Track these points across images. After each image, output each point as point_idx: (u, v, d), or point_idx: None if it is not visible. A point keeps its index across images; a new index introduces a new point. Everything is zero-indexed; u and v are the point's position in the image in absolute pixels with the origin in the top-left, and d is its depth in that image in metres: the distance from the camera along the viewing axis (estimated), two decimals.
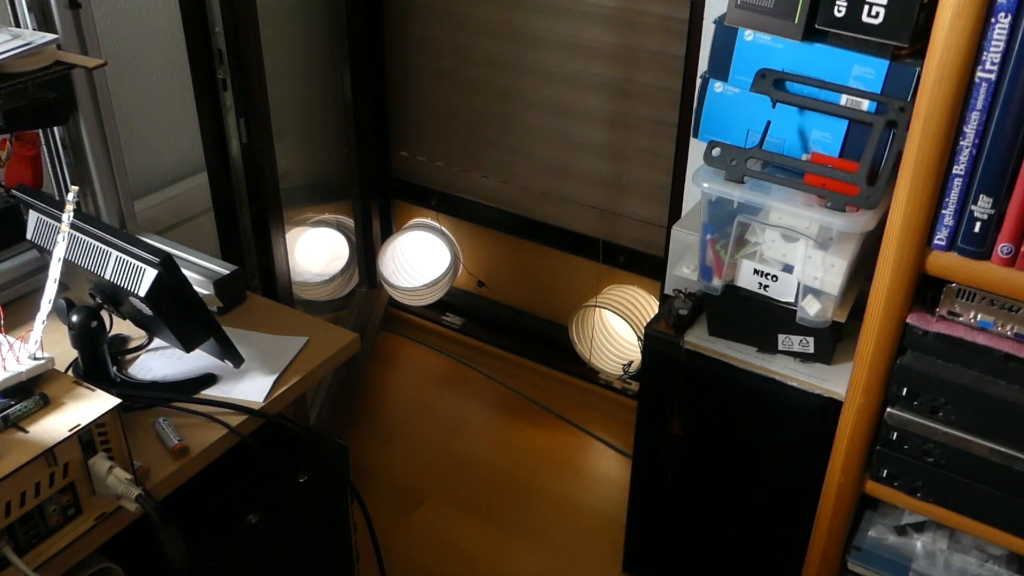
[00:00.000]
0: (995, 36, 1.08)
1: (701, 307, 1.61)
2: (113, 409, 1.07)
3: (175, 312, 1.24)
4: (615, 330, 2.45)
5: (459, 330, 2.76)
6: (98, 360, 1.30)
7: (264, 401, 1.32)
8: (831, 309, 1.42)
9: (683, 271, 1.60)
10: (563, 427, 2.42)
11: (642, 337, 1.70)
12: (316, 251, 2.60)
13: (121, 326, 1.39)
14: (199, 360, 1.36)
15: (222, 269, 1.55)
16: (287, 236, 2.08)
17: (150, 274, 1.19)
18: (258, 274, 2.04)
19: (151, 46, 1.98)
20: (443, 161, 2.58)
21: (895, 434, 1.38)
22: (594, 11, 2.14)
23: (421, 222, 2.68)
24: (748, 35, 1.36)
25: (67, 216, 1.18)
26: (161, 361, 1.40)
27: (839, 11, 1.26)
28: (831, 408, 1.47)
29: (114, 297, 1.29)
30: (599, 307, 2.38)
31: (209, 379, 1.35)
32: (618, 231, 2.36)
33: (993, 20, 1.07)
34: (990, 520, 1.36)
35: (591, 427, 2.41)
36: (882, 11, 1.22)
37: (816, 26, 1.29)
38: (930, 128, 1.14)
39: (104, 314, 1.29)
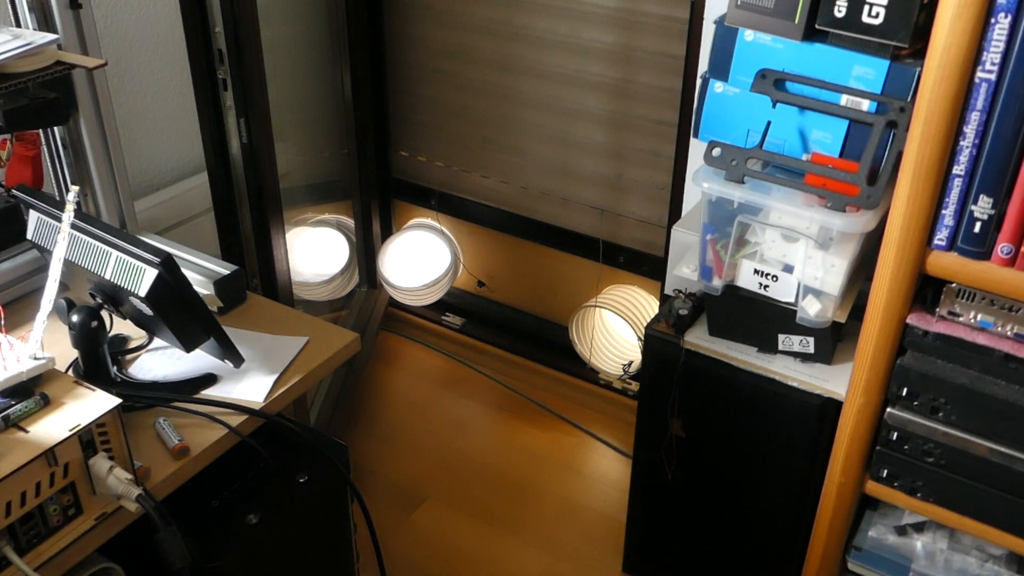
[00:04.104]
0: (995, 36, 1.08)
1: (701, 307, 1.61)
2: (113, 409, 1.07)
3: (175, 312, 1.24)
4: (615, 330, 2.45)
5: (459, 330, 2.75)
6: (98, 360, 1.30)
7: (264, 401, 1.32)
8: (831, 309, 1.42)
9: (683, 271, 1.60)
10: (563, 427, 2.42)
11: (642, 337, 1.70)
12: (316, 251, 2.60)
13: (121, 326, 1.39)
14: (199, 360, 1.36)
15: (222, 269, 1.55)
16: (287, 236, 2.07)
17: (150, 274, 1.19)
18: (258, 274, 2.04)
19: (151, 46, 1.98)
20: (443, 161, 2.58)
21: (895, 434, 1.38)
22: (594, 11, 2.14)
23: (421, 222, 2.68)
24: (748, 35, 1.36)
25: (67, 216, 1.18)
26: (161, 361, 1.40)
27: (839, 11, 1.26)
28: (831, 408, 1.47)
29: (114, 297, 1.29)
30: (599, 307, 2.38)
31: (209, 379, 1.35)
32: (618, 231, 2.36)
33: (993, 20, 1.07)
34: (990, 520, 1.36)
35: (591, 427, 2.41)
36: (882, 11, 1.22)
37: (816, 26, 1.29)
38: (930, 128, 1.14)
39: (104, 314, 1.29)
